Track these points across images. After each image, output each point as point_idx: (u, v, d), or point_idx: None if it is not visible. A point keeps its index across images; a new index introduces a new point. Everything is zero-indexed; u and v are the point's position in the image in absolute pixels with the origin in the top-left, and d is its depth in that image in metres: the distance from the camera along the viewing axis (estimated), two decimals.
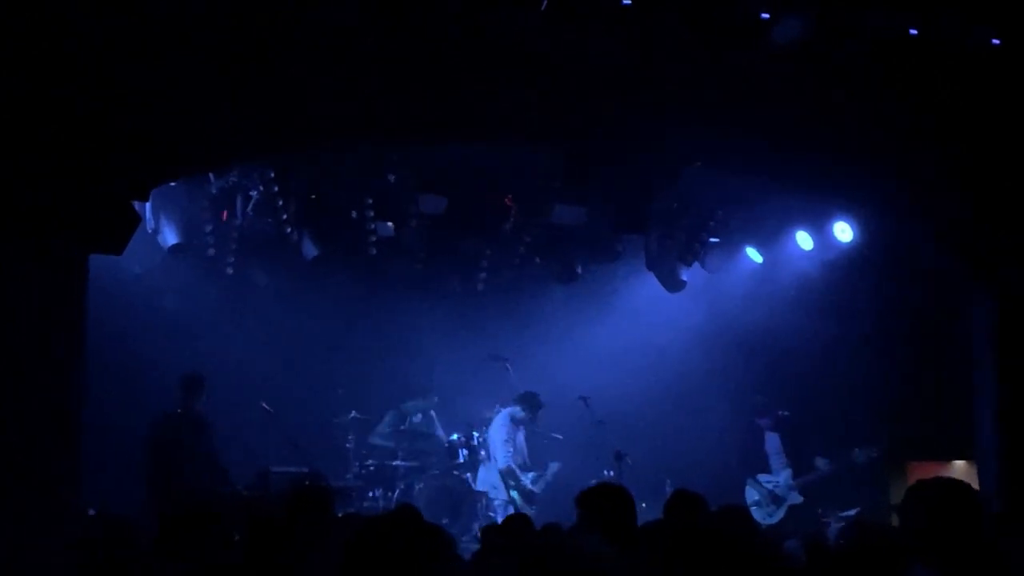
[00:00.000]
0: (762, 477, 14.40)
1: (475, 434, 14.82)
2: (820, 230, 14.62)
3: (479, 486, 14.31)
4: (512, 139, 12.27)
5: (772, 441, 14.64)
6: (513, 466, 14.26)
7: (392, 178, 13.68)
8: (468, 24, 9.89)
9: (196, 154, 11.13)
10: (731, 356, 15.77)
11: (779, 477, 14.34)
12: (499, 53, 10.50)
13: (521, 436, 14.51)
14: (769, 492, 14.23)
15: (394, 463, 14.57)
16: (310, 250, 14.09)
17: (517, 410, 14.45)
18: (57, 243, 10.03)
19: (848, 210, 14.00)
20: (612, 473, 13.70)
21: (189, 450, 12.24)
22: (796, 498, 14.20)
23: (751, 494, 14.29)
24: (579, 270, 15.21)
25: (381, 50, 10.72)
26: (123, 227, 10.52)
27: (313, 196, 13.85)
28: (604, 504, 6.61)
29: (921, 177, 12.22)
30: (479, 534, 9.11)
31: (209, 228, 13.81)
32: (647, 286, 15.68)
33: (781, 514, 14.11)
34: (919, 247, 13.58)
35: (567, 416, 14.55)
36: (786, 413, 14.65)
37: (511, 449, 14.28)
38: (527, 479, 14.29)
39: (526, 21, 9.71)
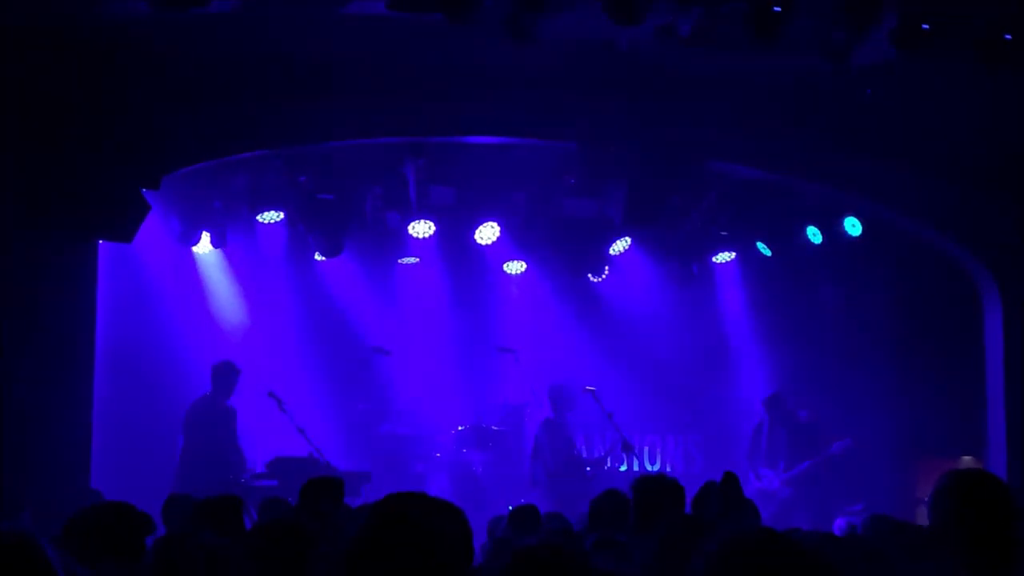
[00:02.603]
0: (762, 471, 14.43)
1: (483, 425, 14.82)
2: (830, 225, 14.59)
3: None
4: (527, 138, 12.31)
5: (779, 436, 14.64)
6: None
7: (402, 169, 13.66)
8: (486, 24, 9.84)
9: (205, 144, 11.16)
10: (738, 350, 15.77)
11: (775, 472, 14.37)
12: (511, 52, 10.50)
13: (562, 435, 14.03)
14: (761, 488, 14.23)
15: (402, 452, 14.58)
16: (319, 240, 14.09)
17: (546, 411, 14.05)
18: (67, 230, 10.06)
19: (859, 205, 13.97)
20: (624, 466, 13.73)
21: (218, 437, 12.34)
22: (785, 492, 14.24)
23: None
24: (590, 262, 15.18)
25: (392, 49, 10.73)
26: (133, 215, 10.56)
27: (321, 186, 13.83)
28: (656, 497, 6.57)
29: (935, 173, 12.22)
30: (487, 525, 9.10)
31: (218, 217, 13.80)
32: (656, 278, 15.66)
33: (771, 510, 14.12)
34: (932, 244, 13.58)
35: (576, 409, 14.52)
36: (804, 412, 14.66)
37: (541, 460, 13.87)
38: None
39: (544, 19, 9.66)
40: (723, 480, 7.24)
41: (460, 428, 14.80)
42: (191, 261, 14.37)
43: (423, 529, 3.35)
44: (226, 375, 12.74)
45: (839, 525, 11.85)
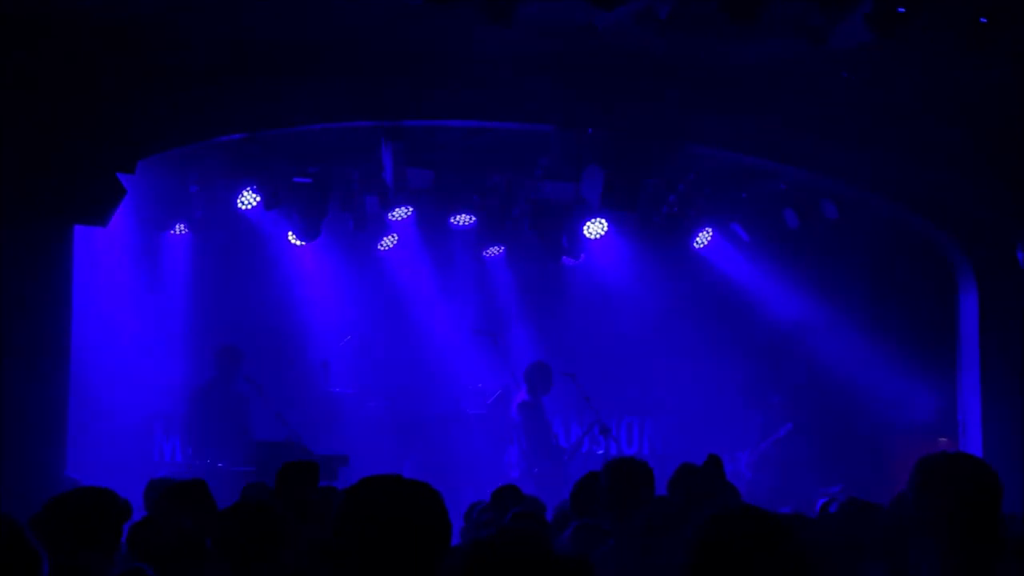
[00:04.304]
0: (737, 453, 14.53)
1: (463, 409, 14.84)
2: (807, 208, 14.60)
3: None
4: (504, 121, 12.30)
5: (753, 418, 14.75)
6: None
7: (379, 151, 13.62)
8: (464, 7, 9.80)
9: (181, 127, 11.11)
10: (715, 332, 15.81)
11: (743, 454, 14.48)
12: (488, 35, 10.47)
13: (538, 418, 14.05)
14: (733, 470, 14.33)
15: (381, 436, 14.58)
16: (296, 223, 14.05)
17: (522, 393, 14.07)
18: (42, 215, 10.01)
19: (836, 187, 13.99)
20: (602, 449, 13.77)
21: (233, 422, 12.34)
22: (747, 474, 14.36)
23: None
24: (567, 245, 15.18)
25: (369, 31, 10.69)
26: (108, 199, 10.50)
27: (299, 169, 13.79)
28: (625, 479, 6.58)
29: (912, 156, 12.26)
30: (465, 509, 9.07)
31: (196, 202, 13.75)
32: (634, 261, 15.69)
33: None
34: (908, 227, 13.64)
35: (554, 392, 14.55)
36: (776, 398, 14.73)
37: (518, 443, 13.92)
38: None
39: (522, 2, 9.62)
40: (706, 463, 7.26)
41: (438, 412, 14.81)
42: (165, 245, 14.34)
43: (397, 512, 3.34)
44: (233, 359, 12.71)
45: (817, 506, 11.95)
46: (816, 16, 9.89)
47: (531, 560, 3.62)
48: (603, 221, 14.86)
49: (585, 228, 14.89)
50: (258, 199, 13.60)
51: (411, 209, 14.23)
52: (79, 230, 10.75)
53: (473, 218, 14.68)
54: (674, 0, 9.79)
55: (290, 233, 14.25)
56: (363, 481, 3.50)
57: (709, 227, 15.10)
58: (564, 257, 15.40)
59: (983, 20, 9.98)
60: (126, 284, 14.21)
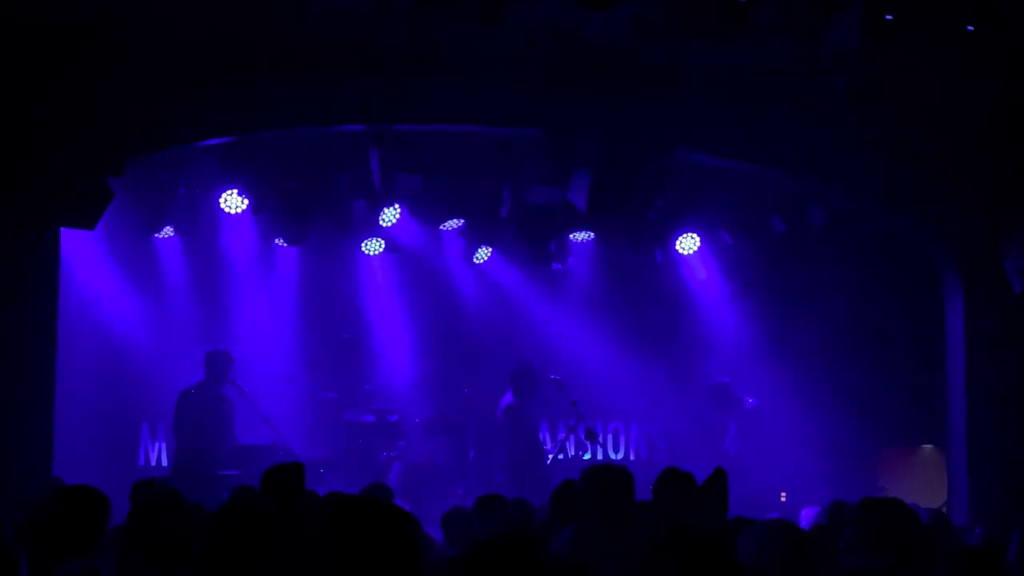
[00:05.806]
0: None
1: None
2: (793, 213, 14.63)
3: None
4: (493, 126, 12.31)
5: (728, 423, 14.77)
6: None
7: (368, 156, 13.62)
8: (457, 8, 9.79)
9: (170, 130, 11.11)
10: (702, 337, 15.83)
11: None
12: (477, 39, 10.48)
13: (524, 421, 14.07)
14: None
15: (367, 440, 14.56)
16: (283, 227, 14.03)
17: (508, 396, 14.09)
18: (29, 217, 9.99)
19: (823, 192, 14.02)
20: (588, 454, 13.79)
21: (211, 426, 12.33)
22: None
23: None
24: (554, 250, 15.19)
25: (359, 34, 10.70)
26: (96, 202, 10.48)
27: (287, 172, 13.77)
28: (605, 484, 6.59)
29: (899, 160, 12.31)
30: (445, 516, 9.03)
31: (183, 205, 13.73)
32: (620, 265, 15.70)
33: None
34: (894, 232, 13.67)
35: (540, 396, 14.55)
36: (750, 400, 14.76)
37: (503, 447, 13.95)
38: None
39: (514, 4, 9.63)
40: (714, 477, 7.26)
41: (424, 416, 14.80)
42: (153, 249, 14.33)
43: (372, 541, 3.38)
44: (220, 363, 12.73)
45: (806, 514, 12.00)
46: (807, 18, 9.93)
47: (533, 564, 3.63)
48: (590, 233, 14.90)
49: (571, 233, 14.92)
50: (246, 202, 13.58)
51: (399, 212, 14.21)
52: (66, 232, 10.74)
53: (461, 222, 14.68)
54: (664, 4, 9.81)
55: (277, 233, 14.23)
56: (341, 503, 3.52)
57: (695, 232, 15.09)
58: (551, 261, 15.40)
59: (970, 28, 10.03)
60: (114, 287, 14.19)
